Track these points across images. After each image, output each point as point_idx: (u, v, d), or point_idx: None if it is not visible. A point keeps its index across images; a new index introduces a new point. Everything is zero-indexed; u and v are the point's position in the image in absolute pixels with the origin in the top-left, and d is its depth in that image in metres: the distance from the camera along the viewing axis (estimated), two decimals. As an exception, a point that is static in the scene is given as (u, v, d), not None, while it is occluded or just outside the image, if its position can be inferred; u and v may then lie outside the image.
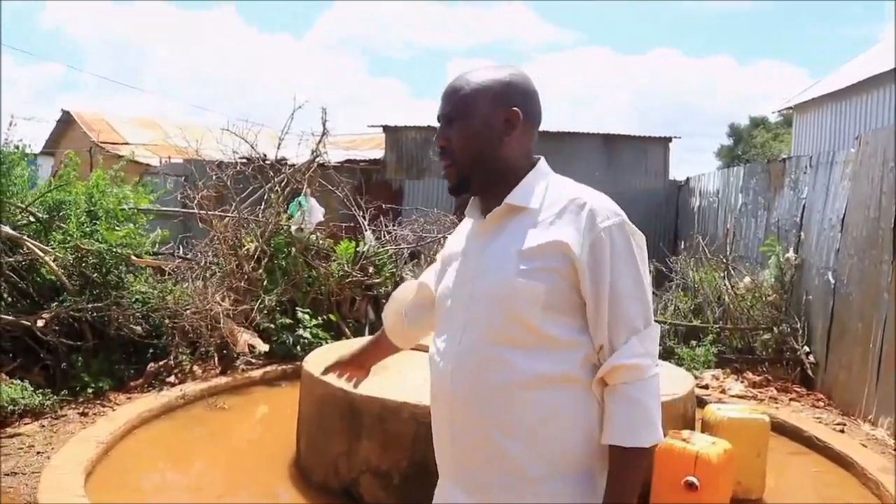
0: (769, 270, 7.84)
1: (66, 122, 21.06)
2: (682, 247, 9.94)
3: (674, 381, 4.59)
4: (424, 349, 4.21)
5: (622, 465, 1.56)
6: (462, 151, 1.68)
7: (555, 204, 1.62)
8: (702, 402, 5.15)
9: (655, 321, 1.65)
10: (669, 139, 13.97)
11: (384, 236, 8.29)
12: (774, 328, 7.35)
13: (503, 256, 1.61)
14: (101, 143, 17.10)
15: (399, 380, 3.97)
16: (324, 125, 7.80)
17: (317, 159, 7.93)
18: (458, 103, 1.68)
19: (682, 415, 4.29)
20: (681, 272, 8.62)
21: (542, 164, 1.73)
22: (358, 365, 2.25)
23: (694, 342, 7.64)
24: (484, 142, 1.66)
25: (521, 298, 1.56)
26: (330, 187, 8.16)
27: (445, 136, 1.70)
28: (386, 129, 13.90)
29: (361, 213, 8.39)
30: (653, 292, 9.08)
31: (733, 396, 6.40)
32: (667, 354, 7.35)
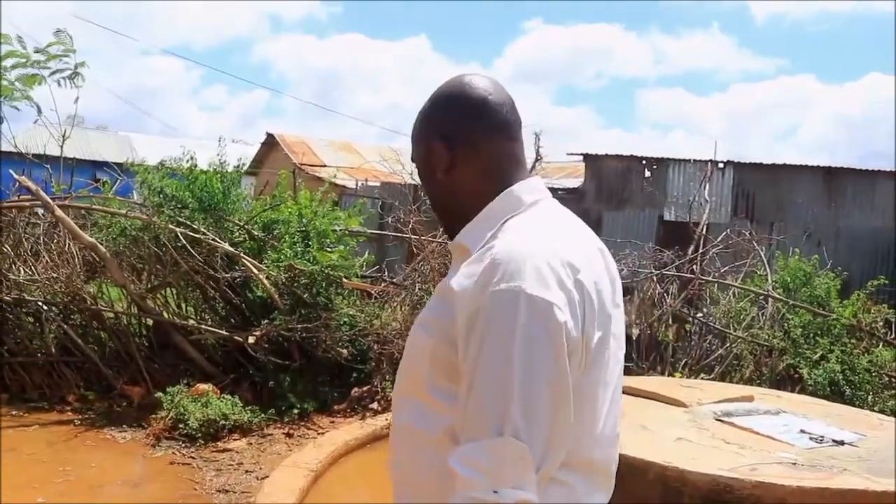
0: None
1: (269, 144, 22.33)
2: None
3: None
4: (670, 401, 3.72)
5: None
6: (428, 200, 1.49)
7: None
8: None
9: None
10: (902, 173, 12.57)
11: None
12: None
13: (431, 301, 1.36)
14: (302, 164, 17.86)
15: (644, 435, 3.50)
16: (537, 151, 7.52)
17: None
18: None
19: None
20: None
21: (510, 192, 1.33)
22: None
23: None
24: (430, 187, 1.42)
25: (415, 350, 1.31)
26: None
27: None
28: (587, 157, 13.47)
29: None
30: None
31: None
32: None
